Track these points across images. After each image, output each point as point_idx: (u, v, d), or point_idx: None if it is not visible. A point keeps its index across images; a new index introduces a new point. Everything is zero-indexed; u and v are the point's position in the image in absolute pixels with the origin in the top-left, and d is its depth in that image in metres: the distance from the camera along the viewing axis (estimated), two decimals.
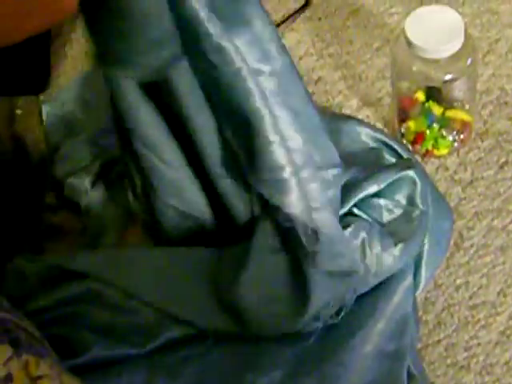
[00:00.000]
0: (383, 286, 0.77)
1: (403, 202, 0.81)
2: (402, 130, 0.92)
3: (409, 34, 0.81)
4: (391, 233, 0.78)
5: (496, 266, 0.82)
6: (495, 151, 0.91)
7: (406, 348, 0.73)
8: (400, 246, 0.76)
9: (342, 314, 0.73)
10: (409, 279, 0.78)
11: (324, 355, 0.73)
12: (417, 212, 0.80)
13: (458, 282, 0.81)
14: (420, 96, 0.88)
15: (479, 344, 0.77)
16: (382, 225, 0.79)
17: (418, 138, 0.91)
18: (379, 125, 0.94)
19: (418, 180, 0.80)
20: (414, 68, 0.84)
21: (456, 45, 0.81)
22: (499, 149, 0.91)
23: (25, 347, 0.54)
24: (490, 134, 0.93)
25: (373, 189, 0.79)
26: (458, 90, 0.88)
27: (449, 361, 0.76)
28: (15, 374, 0.51)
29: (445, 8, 0.84)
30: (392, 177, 0.80)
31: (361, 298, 0.77)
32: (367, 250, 0.75)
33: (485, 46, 1.00)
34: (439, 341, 0.78)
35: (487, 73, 0.99)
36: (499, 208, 0.86)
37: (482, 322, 0.78)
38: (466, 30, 0.81)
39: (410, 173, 0.80)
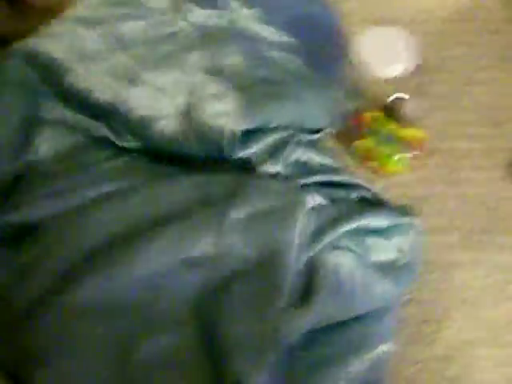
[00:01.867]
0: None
1: (395, 246, 0.84)
2: (353, 149, 0.94)
3: (360, 53, 0.85)
4: (377, 272, 0.81)
5: (445, 281, 0.85)
6: (445, 168, 0.95)
7: None
8: (383, 284, 0.80)
9: None
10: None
11: None
12: (407, 259, 0.82)
13: (409, 297, 0.83)
14: (371, 114, 0.91)
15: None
16: (369, 263, 0.82)
17: (368, 155, 0.94)
18: (331, 143, 0.96)
19: (411, 228, 0.83)
20: (365, 86, 0.87)
21: (405, 64, 0.85)
22: (451, 165, 0.95)
23: None
24: (441, 151, 0.96)
25: (367, 221, 0.82)
26: (410, 109, 0.90)
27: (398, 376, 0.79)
28: None
29: (395, 29, 0.88)
30: (391, 219, 0.83)
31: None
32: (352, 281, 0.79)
33: (438, 66, 1.03)
34: None
35: (441, 89, 1.01)
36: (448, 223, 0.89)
37: (431, 338, 0.81)
38: (418, 50, 0.86)
39: (407, 220, 0.83)
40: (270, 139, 0.89)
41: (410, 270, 0.85)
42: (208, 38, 0.96)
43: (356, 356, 0.79)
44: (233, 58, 0.94)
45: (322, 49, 1.01)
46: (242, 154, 0.87)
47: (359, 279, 0.82)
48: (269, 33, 0.99)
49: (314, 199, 0.86)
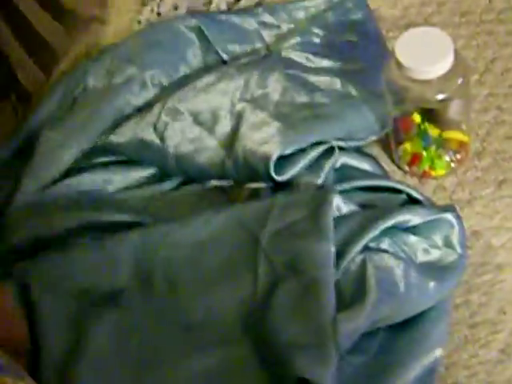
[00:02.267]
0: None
1: (439, 243, 0.83)
2: (399, 153, 0.94)
3: (399, 56, 0.83)
4: (426, 271, 0.81)
5: (495, 283, 0.83)
6: (493, 170, 0.93)
7: None
8: (433, 283, 0.79)
9: None
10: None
11: None
12: (454, 255, 0.82)
13: (458, 301, 0.82)
14: (416, 117, 0.90)
15: (480, 362, 0.78)
16: (418, 263, 0.82)
17: (415, 159, 0.93)
18: (375, 149, 0.97)
19: (455, 223, 0.83)
20: (407, 89, 0.86)
21: (445, 65, 0.83)
22: (497, 167, 0.93)
23: (4, 371, 0.59)
24: (487, 153, 0.95)
25: (405, 218, 0.82)
26: (454, 111, 0.89)
27: (449, 381, 0.77)
28: None
29: (433, 29, 0.86)
30: (431, 215, 0.82)
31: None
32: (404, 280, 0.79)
33: (481, 66, 1.03)
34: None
35: (483, 92, 1.01)
36: (498, 225, 0.88)
37: (482, 341, 0.79)
38: (456, 51, 0.83)
39: (448, 215, 0.83)
40: (310, 155, 0.90)
41: (459, 267, 0.84)
42: (245, 67, 0.99)
43: (416, 360, 0.78)
44: (272, 86, 0.96)
45: (363, 61, 1.03)
46: (286, 176, 0.89)
47: (413, 279, 0.81)
48: (305, 59, 1.01)
49: (349, 206, 0.86)
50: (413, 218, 0.83)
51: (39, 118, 1.01)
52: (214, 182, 0.93)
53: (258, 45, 1.05)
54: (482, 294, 0.82)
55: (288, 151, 0.89)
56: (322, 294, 0.76)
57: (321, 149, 0.90)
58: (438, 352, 0.78)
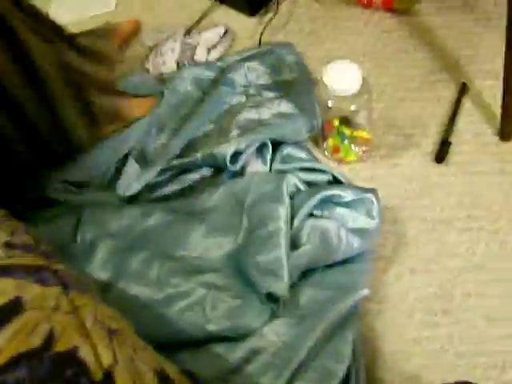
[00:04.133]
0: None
1: (363, 214, 1.04)
2: (325, 146, 1.21)
3: (325, 80, 1.09)
4: (353, 232, 1.01)
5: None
6: (387, 157, 1.21)
7: None
8: (357, 239, 1.01)
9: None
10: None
11: None
12: (373, 223, 1.03)
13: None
14: (335, 121, 1.15)
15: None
16: (346, 227, 1.02)
17: (335, 150, 1.20)
18: (309, 143, 1.24)
19: (375, 201, 1.04)
20: (330, 103, 1.10)
21: (356, 86, 1.07)
22: (390, 156, 1.21)
23: (72, 287, 0.64)
24: (383, 145, 1.23)
25: (338, 193, 1.02)
26: (361, 117, 1.14)
27: None
28: (62, 304, 0.60)
29: (348, 62, 1.11)
30: (360, 194, 1.03)
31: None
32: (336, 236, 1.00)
33: (378, 88, 1.31)
34: None
35: (380, 106, 1.29)
36: (390, 194, 1.15)
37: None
38: (363, 77, 1.08)
39: (371, 195, 1.04)
40: (251, 149, 1.15)
41: (377, 230, 1.04)
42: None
43: (348, 295, 0.96)
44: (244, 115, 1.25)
45: (298, 86, 1.29)
46: (238, 165, 1.15)
47: (343, 237, 1.00)
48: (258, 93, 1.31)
49: (302, 184, 1.08)
50: (346, 194, 1.03)
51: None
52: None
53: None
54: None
55: (240, 147, 1.16)
56: (279, 238, 0.99)
57: (256, 144, 1.16)
58: (365, 291, 0.97)
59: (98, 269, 1.03)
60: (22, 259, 0.64)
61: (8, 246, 0.67)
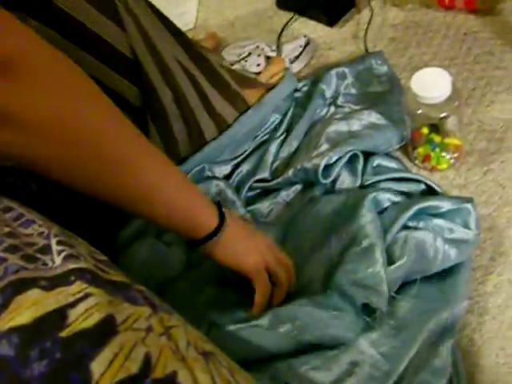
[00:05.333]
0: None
1: (460, 224, 1.00)
2: (415, 155, 1.20)
3: (414, 89, 1.07)
4: (449, 243, 0.98)
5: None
6: (479, 163, 1.18)
7: None
8: (454, 251, 0.98)
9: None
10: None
11: None
12: (471, 234, 1.00)
13: None
14: (425, 130, 1.14)
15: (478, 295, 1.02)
16: (443, 238, 0.98)
17: (426, 158, 1.18)
18: (398, 153, 1.23)
19: (472, 210, 1.00)
20: (419, 111, 1.09)
21: (446, 93, 1.06)
22: (482, 162, 1.18)
23: (159, 308, 0.61)
24: (474, 152, 1.20)
25: (435, 204, 1.00)
26: (451, 124, 1.12)
27: None
28: (154, 325, 0.57)
29: (437, 69, 1.10)
30: (457, 204, 1.00)
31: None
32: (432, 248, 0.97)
33: (466, 93, 1.29)
34: None
35: (469, 111, 1.26)
36: (485, 201, 1.13)
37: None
38: (452, 83, 1.06)
39: (469, 205, 1.00)
40: (343, 161, 1.14)
41: (475, 241, 1.01)
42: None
43: (447, 307, 0.94)
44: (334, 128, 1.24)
45: (388, 96, 1.29)
46: (330, 178, 1.14)
47: (440, 248, 0.97)
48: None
49: (396, 196, 1.06)
50: (442, 204, 1.00)
51: None
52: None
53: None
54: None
55: (331, 160, 1.15)
56: (376, 253, 0.96)
57: (348, 156, 1.15)
58: (465, 303, 0.95)
59: None
60: (108, 275, 0.60)
61: (95, 259, 0.63)
